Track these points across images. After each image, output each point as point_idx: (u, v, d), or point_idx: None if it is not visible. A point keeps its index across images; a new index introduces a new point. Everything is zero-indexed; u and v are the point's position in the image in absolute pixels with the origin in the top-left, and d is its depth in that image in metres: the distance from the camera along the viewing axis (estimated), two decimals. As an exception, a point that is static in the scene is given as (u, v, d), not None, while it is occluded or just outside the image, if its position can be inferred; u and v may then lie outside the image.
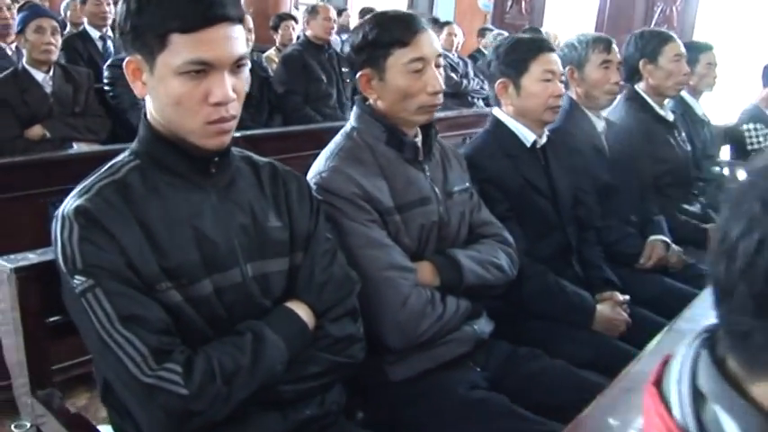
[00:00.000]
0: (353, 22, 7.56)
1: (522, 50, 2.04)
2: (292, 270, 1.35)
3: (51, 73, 3.14)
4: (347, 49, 1.69)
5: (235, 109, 1.20)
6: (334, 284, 1.37)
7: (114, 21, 5.02)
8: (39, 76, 3.11)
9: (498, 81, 2.07)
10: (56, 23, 3.11)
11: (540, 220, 2.07)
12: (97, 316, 1.11)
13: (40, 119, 3.06)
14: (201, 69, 1.14)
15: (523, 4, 7.85)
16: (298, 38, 5.00)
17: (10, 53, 3.77)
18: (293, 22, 5.39)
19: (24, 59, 3.13)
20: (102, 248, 1.12)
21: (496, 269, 1.72)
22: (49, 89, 3.12)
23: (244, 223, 1.28)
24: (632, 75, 2.90)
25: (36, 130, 3.04)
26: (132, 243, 1.14)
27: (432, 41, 1.60)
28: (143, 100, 1.22)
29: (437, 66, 1.61)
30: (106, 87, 3.36)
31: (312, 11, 4.18)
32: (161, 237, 1.18)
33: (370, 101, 1.67)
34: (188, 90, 1.15)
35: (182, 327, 1.17)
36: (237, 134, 2.68)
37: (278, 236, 1.33)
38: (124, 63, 1.20)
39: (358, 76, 1.62)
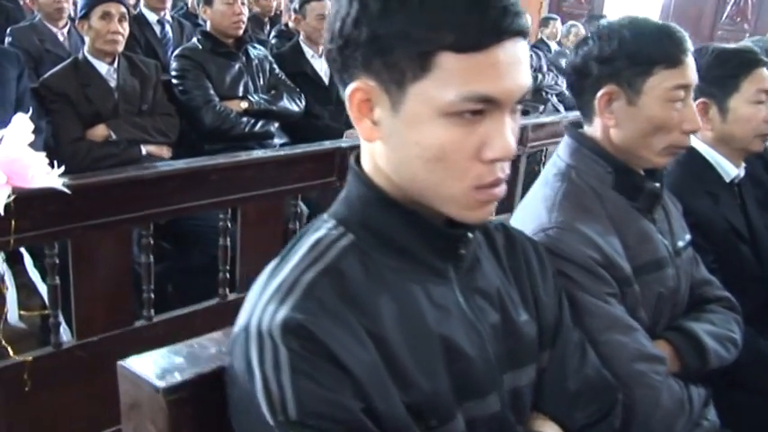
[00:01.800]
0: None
1: (732, 65, 1.67)
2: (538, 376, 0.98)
3: (116, 65, 2.76)
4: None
5: (509, 167, 0.83)
6: (592, 393, 1.01)
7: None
8: (102, 67, 2.73)
9: (697, 101, 1.69)
10: (124, 9, 2.72)
11: (742, 272, 1.70)
12: None
13: (103, 117, 2.68)
14: (480, 109, 0.77)
15: (583, -9, 7.41)
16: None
17: (62, 39, 3.39)
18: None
19: (86, 48, 2.74)
20: (327, 386, 0.73)
21: (733, 346, 1.37)
22: (113, 83, 2.73)
23: (494, 323, 0.91)
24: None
25: (100, 131, 2.66)
26: (377, 373, 0.76)
27: (694, 66, 1.23)
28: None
29: (690, 97, 1.26)
30: (174, 81, 2.98)
31: None
32: (401, 356, 0.79)
33: (593, 129, 1.29)
34: (458, 139, 0.77)
35: None
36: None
37: (529, 333, 0.96)
38: (347, 90, 0.81)
39: (600, 94, 1.24)
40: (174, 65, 3.00)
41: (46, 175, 1.74)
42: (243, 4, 3.05)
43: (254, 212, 2.18)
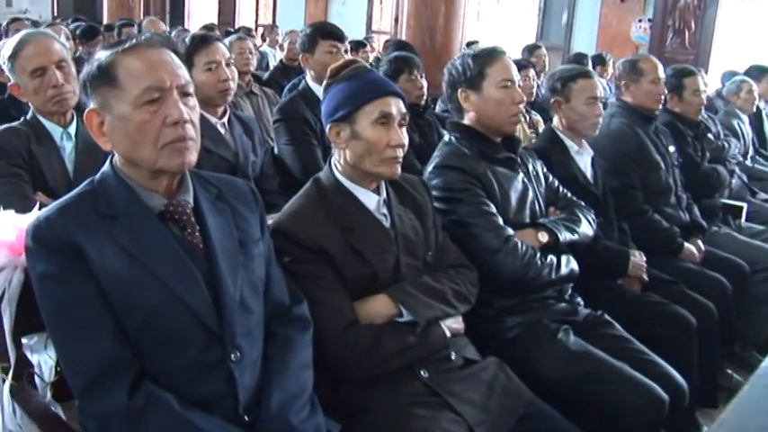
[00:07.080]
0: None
1: None
2: None
3: (384, 193, 1.75)
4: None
5: None
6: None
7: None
8: (370, 200, 1.69)
9: None
10: (405, 109, 1.71)
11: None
12: None
13: (379, 282, 1.66)
14: None
15: (687, 35, 6.62)
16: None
17: (223, 131, 2.25)
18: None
19: (339, 168, 1.71)
20: None
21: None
22: (387, 223, 1.71)
23: None
24: None
25: (383, 308, 1.63)
26: None
27: None
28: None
29: None
30: (439, 206, 1.96)
31: (633, 68, 2.85)
32: None
33: None
34: None
35: None
36: None
37: None
38: None
39: None
40: (436, 181, 2.00)
41: None
42: (520, 86, 2.08)
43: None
